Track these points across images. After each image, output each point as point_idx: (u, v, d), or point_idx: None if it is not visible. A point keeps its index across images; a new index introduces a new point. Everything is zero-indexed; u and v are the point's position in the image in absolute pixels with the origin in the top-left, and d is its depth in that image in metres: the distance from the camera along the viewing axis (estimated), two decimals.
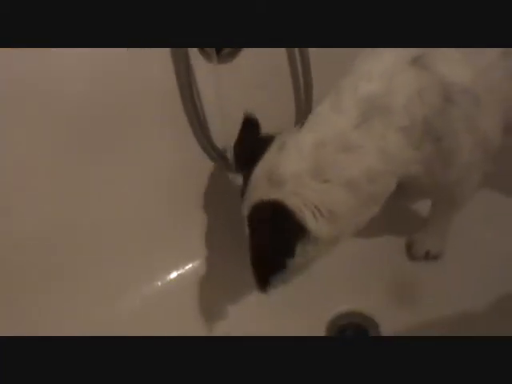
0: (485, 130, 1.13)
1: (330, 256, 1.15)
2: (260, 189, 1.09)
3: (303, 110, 1.43)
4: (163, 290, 1.44)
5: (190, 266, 1.47)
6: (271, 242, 1.05)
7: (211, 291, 1.41)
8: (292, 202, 1.05)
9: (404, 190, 1.15)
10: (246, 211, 1.10)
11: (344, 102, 1.08)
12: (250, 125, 1.19)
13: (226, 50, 1.30)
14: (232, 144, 1.24)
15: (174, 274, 1.46)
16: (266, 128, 1.28)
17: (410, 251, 1.45)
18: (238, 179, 1.24)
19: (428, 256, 1.43)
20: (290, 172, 1.06)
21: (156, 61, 1.26)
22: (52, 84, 1.20)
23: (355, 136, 1.06)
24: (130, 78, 1.26)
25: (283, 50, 1.39)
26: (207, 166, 1.40)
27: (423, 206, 1.42)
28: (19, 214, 1.26)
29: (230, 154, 1.34)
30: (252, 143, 1.16)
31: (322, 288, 1.36)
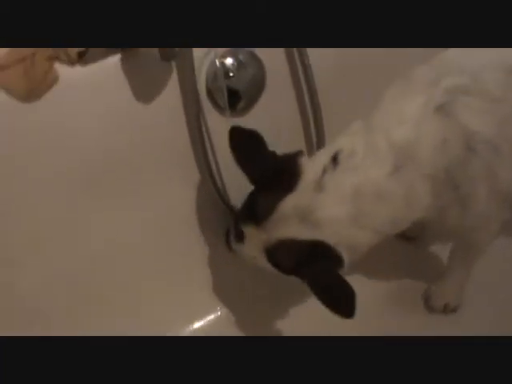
0: (503, 179, 1.14)
1: None
2: (289, 227, 1.11)
3: None
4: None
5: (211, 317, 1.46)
6: (330, 281, 1.09)
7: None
8: (332, 242, 1.09)
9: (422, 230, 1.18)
10: (265, 243, 1.13)
11: (379, 145, 1.09)
12: (254, 139, 1.18)
13: (241, 105, 1.34)
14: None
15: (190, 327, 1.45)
16: None
17: (428, 303, 1.43)
18: None
19: (446, 309, 1.41)
20: (330, 216, 1.09)
21: (168, 110, 1.28)
22: (64, 132, 1.22)
23: (389, 184, 1.09)
24: (141, 128, 1.28)
25: (295, 103, 1.41)
26: (217, 216, 1.41)
27: (441, 255, 1.43)
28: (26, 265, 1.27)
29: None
30: (264, 161, 1.16)
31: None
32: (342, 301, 1.07)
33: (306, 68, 1.35)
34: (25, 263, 1.26)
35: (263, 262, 1.16)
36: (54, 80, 1.17)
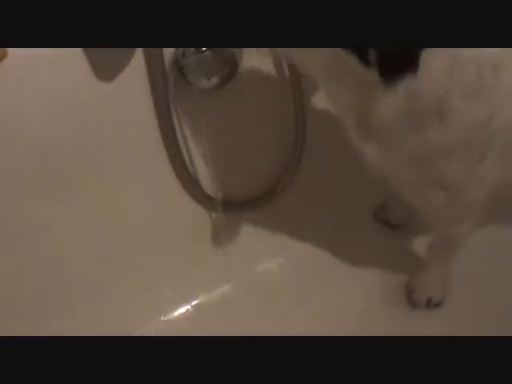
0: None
1: None
2: None
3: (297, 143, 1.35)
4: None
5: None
6: None
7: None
8: None
9: None
10: None
11: None
12: None
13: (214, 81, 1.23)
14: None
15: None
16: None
17: (410, 298, 1.37)
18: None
19: (429, 304, 1.35)
20: None
21: (133, 92, 1.18)
22: (14, 116, 1.12)
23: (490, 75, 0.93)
24: (110, 117, 1.19)
25: (272, 86, 1.31)
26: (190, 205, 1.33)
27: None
28: None
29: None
30: None
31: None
32: None
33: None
34: None
35: None
36: (1, 57, 1.05)
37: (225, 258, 1.39)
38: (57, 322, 1.25)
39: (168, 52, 1.16)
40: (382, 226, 1.48)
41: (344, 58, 0.92)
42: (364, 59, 0.91)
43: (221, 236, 1.37)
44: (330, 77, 1.00)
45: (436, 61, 0.91)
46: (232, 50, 1.22)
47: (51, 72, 1.11)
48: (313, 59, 0.98)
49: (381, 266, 1.42)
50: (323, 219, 1.45)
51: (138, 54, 1.14)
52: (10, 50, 1.05)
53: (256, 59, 1.26)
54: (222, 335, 0.93)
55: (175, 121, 1.21)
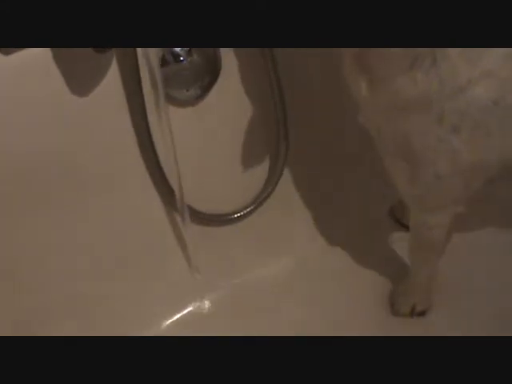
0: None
1: None
2: None
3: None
4: None
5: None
6: None
7: None
8: None
9: None
10: None
11: None
12: None
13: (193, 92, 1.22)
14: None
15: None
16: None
17: (393, 308, 1.33)
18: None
19: (413, 313, 1.31)
20: None
21: (108, 103, 1.14)
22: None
23: None
24: (86, 128, 1.15)
25: (252, 95, 1.28)
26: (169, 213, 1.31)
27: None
28: None
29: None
30: None
31: None
32: None
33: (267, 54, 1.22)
34: None
35: None
36: None
37: (206, 271, 1.35)
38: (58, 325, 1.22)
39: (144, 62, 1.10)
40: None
41: None
42: None
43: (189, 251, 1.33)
44: None
45: None
46: (212, 59, 1.20)
47: (17, 85, 1.08)
48: None
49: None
50: (307, 227, 1.44)
51: (114, 65, 1.11)
52: None
53: (236, 68, 1.24)
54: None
55: (152, 131, 1.17)
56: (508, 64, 0.95)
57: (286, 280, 1.40)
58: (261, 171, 1.36)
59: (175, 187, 1.20)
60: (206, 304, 1.38)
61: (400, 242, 1.41)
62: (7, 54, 1.03)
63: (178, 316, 1.36)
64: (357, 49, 0.98)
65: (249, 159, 1.33)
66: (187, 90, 1.22)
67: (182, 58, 1.17)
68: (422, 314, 1.31)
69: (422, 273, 1.27)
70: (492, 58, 0.94)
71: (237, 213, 1.35)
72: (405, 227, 1.39)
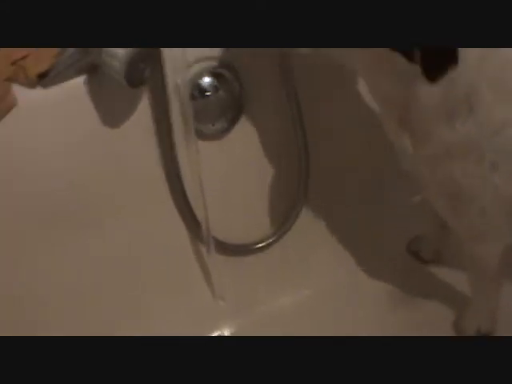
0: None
1: None
2: None
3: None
4: None
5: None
6: None
7: None
8: None
9: None
10: None
11: None
12: None
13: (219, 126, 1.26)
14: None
15: None
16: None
17: (458, 329, 1.36)
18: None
19: (479, 333, 1.32)
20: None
21: (139, 137, 1.19)
22: (23, 160, 1.13)
23: None
24: (108, 155, 1.19)
25: (276, 128, 1.33)
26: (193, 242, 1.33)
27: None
28: None
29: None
30: None
31: None
32: None
33: (289, 85, 1.27)
34: None
35: None
36: (12, 103, 1.08)
37: (228, 299, 1.37)
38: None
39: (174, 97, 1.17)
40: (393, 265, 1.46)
41: (388, 56, 0.97)
42: (409, 58, 0.96)
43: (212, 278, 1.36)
44: (374, 73, 1.06)
45: (472, 54, 0.95)
46: (237, 94, 1.25)
47: (55, 120, 1.13)
48: (356, 57, 1.04)
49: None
50: (326, 259, 1.45)
51: (145, 99, 1.16)
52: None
53: (259, 103, 1.29)
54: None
55: (180, 162, 1.21)
56: None
57: (305, 310, 1.41)
58: (283, 204, 1.38)
59: (200, 218, 1.25)
60: (227, 332, 1.40)
61: (419, 275, 1.44)
62: (45, 87, 1.09)
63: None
64: (400, 113, 1.04)
65: (271, 192, 1.37)
66: (213, 125, 1.26)
67: (208, 94, 1.22)
68: (489, 334, 1.31)
69: (482, 298, 1.30)
70: None
71: (259, 243, 1.37)
72: (422, 261, 1.45)
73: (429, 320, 1.38)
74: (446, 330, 1.36)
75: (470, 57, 0.96)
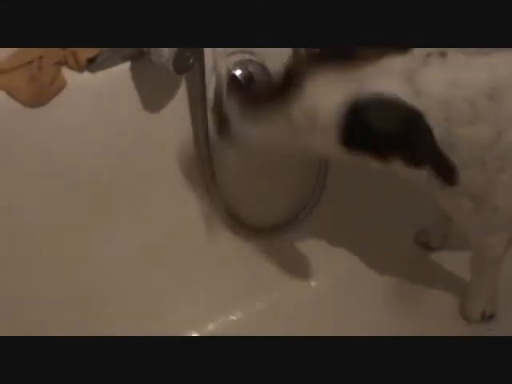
0: None
1: None
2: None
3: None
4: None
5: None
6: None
7: None
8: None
9: None
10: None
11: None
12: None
13: None
14: None
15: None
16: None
17: (465, 316, 1.45)
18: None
19: (484, 317, 1.43)
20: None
21: (175, 122, 1.26)
22: (68, 140, 1.19)
23: (484, 103, 1.04)
24: (147, 139, 1.25)
25: None
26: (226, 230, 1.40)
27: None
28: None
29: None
30: None
31: None
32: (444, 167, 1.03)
33: None
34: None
35: None
36: (62, 86, 1.14)
37: (248, 281, 1.46)
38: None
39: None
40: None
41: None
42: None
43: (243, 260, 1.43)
44: None
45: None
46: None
47: (101, 103, 1.19)
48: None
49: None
50: (348, 245, 1.53)
51: (184, 83, 1.23)
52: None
53: None
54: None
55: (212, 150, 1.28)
56: None
57: (316, 298, 1.49)
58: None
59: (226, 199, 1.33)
60: (237, 316, 1.47)
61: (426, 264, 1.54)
62: (93, 71, 1.15)
63: (205, 328, 1.45)
64: None
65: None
66: None
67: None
68: (491, 317, 1.42)
69: (486, 283, 1.40)
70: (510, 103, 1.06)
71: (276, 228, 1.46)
72: (430, 249, 1.56)
73: (435, 308, 1.46)
74: (453, 316, 1.45)
75: None
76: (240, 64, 1.27)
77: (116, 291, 1.34)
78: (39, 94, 1.12)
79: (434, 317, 1.44)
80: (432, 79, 1.02)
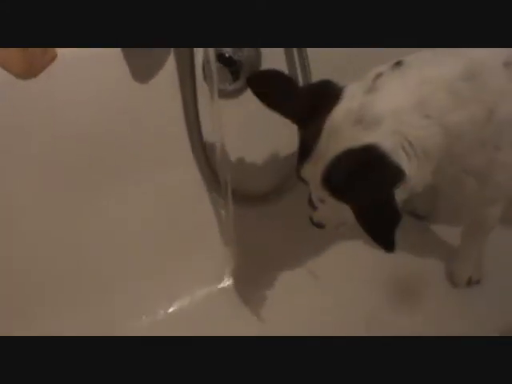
0: None
1: None
2: (344, 137, 1.01)
3: None
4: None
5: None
6: (376, 195, 1.00)
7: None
8: (388, 143, 0.99)
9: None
10: (321, 169, 1.03)
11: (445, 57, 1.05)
12: (276, 77, 1.11)
13: (236, 85, 1.34)
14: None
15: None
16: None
17: (452, 280, 1.49)
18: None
19: (470, 282, 1.48)
20: (390, 108, 1.00)
21: (165, 93, 1.28)
22: (59, 111, 1.22)
23: (463, 86, 1.03)
24: (137, 110, 1.29)
25: None
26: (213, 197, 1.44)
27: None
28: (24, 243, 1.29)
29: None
30: (297, 95, 1.07)
31: None
32: (383, 230, 1.00)
33: (303, 55, 1.36)
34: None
35: (331, 202, 1.06)
36: (53, 56, 1.15)
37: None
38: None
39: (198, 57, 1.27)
40: None
41: None
42: None
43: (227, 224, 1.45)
44: None
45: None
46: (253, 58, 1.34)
47: (92, 73, 1.22)
48: None
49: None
50: None
51: (171, 58, 1.26)
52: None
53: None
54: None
55: (201, 118, 1.31)
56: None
57: (307, 264, 1.53)
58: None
59: (218, 169, 1.35)
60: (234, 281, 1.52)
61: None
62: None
63: (207, 289, 1.50)
64: None
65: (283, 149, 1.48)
66: (230, 84, 1.35)
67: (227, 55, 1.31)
68: (478, 282, 1.48)
69: (474, 248, 1.45)
70: (495, 76, 1.06)
71: (272, 194, 1.49)
72: (418, 218, 1.59)
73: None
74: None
75: None
76: None
77: (104, 264, 1.38)
78: (31, 66, 1.14)
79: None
80: (390, 93, 1.02)
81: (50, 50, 1.15)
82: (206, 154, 1.35)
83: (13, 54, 1.13)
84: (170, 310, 1.46)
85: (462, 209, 1.39)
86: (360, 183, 0.99)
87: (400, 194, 1.02)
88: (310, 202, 1.16)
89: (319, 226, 1.20)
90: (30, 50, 1.12)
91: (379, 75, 1.04)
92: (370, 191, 1.00)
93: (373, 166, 0.99)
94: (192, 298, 1.48)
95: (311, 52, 1.35)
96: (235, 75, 1.34)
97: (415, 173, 1.03)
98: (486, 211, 1.32)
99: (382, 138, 0.99)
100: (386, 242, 1.01)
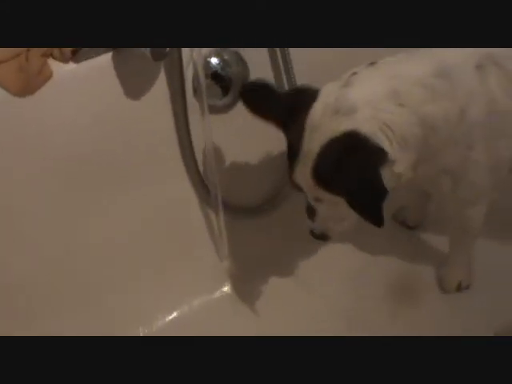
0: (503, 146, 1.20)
1: None
2: (325, 130, 1.07)
3: None
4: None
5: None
6: (362, 176, 1.05)
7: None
8: (367, 127, 1.05)
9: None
10: (309, 166, 1.09)
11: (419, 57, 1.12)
12: (262, 88, 1.20)
13: (225, 100, 1.39)
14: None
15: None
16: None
17: (442, 286, 1.51)
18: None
19: (460, 287, 1.49)
20: (363, 98, 1.07)
21: (156, 108, 1.32)
22: (55, 127, 1.26)
23: (436, 82, 1.10)
24: (130, 124, 1.32)
25: None
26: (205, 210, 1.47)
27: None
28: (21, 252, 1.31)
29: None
30: (279, 102, 1.16)
31: None
32: (373, 209, 1.06)
33: (288, 67, 1.40)
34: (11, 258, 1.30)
35: (327, 198, 1.12)
36: (48, 76, 1.21)
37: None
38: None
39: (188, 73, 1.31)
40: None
41: None
42: None
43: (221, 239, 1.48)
44: None
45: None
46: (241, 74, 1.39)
47: (86, 87, 1.26)
48: None
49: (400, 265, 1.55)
50: None
51: (161, 76, 1.30)
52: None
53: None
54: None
55: (192, 133, 1.35)
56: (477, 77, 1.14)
57: (304, 272, 1.55)
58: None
59: (210, 182, 1.39)
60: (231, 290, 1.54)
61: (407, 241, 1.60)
62: (77, 62, 1.22)
63: (203, 300, 1.52)
64: None
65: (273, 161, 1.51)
66: (220, 99, 1.40)
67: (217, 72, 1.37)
68: (467, 287, 1.49)
69: (462, 253, 1.47)
70: (467, 77, 1.12)
71: (263, 206, 1.53)
72: (408, 227, 1.62)
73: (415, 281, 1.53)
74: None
75: None
76: (215, 52, 1.35)
77: (98, 269, 1.40)
78: (27, 84, 1.19)
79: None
80: (364, 85, 1.09)
81: (45, 69, 1.21)
82: (197, 169, 1.39)
83: (10, 72, 1.18)
84: (168, 319, 1.48)
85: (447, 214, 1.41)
86: (347, 168, 1.05)
87: (388, 181, 1.08)
88: (309, 210, 1.20)
89: (323, 237, 1.25)
90: (26, 68, 1.18)
91: (354, 73, 1.12)
92: (357, 174, 1.05)
93: (355, 150, 1.05)
94: (190, 307, 1.50)
95: (296, 64, 1.40)
96: (225, 90, 1.39)
97: (398, 157, 1.08)
98: (466, 213, 1.35)
99: (360, 124, 1.06)
100: (377, 218, 1.07)
